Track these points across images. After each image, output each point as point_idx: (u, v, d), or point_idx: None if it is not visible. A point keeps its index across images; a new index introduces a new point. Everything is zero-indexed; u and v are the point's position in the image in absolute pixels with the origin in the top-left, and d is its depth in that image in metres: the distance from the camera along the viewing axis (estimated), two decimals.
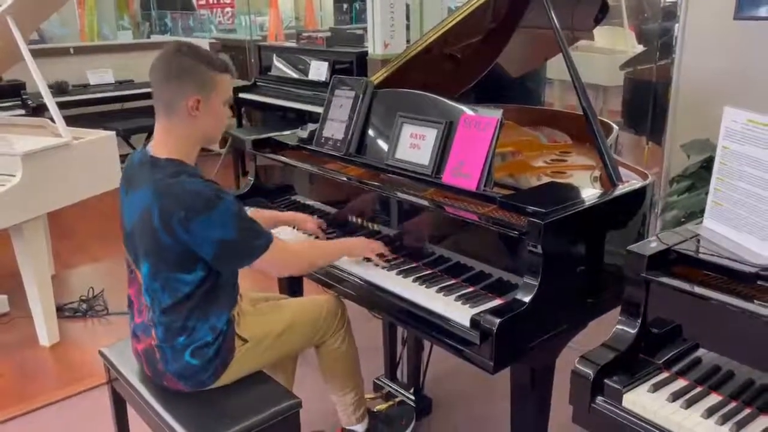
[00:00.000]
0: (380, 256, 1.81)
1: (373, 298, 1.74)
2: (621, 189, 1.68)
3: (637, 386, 1.24)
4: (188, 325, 1.64)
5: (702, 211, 1.73)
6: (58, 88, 5.00)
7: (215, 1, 8.48)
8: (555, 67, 4.10)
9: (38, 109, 4.50)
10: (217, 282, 1.65)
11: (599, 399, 1.27)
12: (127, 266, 1.76)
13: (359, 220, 1.98)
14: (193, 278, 1.60)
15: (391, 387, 2.45)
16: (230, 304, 1.72)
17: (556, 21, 1.85)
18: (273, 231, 1.97)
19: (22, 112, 4.56)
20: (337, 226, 2.05)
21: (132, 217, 1.64)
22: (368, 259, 1.82)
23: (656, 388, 1.23)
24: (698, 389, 1.23)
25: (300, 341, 1.90)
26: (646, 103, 3.31)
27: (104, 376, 1.97)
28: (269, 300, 1.99)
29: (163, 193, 1.54)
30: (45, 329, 2.93)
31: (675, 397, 1.20)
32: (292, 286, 2.47)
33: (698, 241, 1.35)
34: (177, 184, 1.54)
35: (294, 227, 2.09)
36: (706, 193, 1.42)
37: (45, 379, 2.73)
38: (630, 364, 1.28)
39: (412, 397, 2.38)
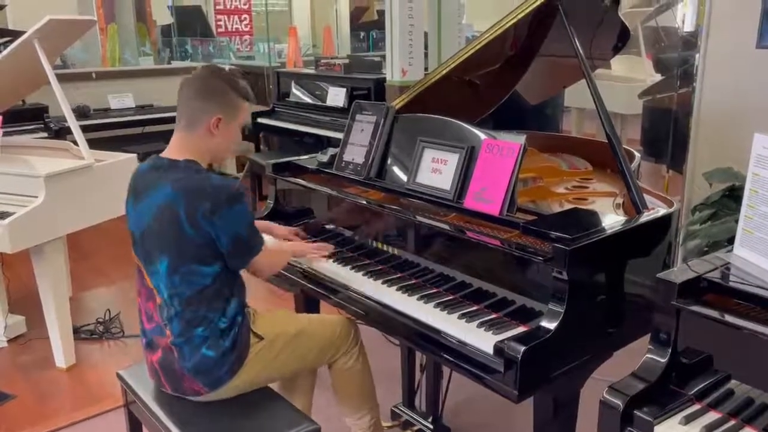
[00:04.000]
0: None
1: (394, 323, 1.72)
2: (647, 216, 1.66)
3: (668, 418, 1.21)
4: (207, 315, 1.69)
5: (727, 240, 1.70)
6: (79, 112, 5.06)
7: (234, 29, 8.63)
8: (573, 95, 4.12)
9: (60, 132, 4.56)
10: (227, 274, 1.72)
11: (629, 431, 1.23)
12: (137, 275, 1.79)
13: (380, 245, 1.97)
14: (211, 271, 1.68)
15: (409, 415, 2.42)
16: (241, 290, 1.79)
17: (579, 47, 1.86)
18: None
19: (45, 135, 4.61)
20: (355, 249, 2.04)
21: (144, 220, 1.70)
22: (387, 283, 1.80)
23: (688, 420, 1.20)
24: (732, 422, 1.19)
25: (313, 352, 1.90)
26: (667, 131, 3.30)
27: (120, 399, 1.97)
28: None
29: (188, 188, 1.63)
30: (62, 351, 2.93)
31: (708, 429, 1.17)
32: (308, 307, 2.45)
33: (729, 269, 1.33)
34: (203, 179, 1.66)
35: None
36: (736, 221, 1.40)
37: (61, 401, 2.72)
38: (660, 396, 1.25)
39: (431, 426, 2.34)
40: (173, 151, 1.73)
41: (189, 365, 1.69)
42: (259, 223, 2.11)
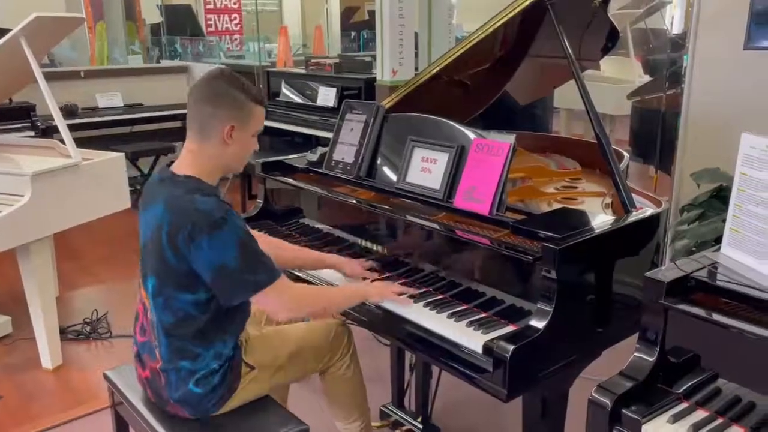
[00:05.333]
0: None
1: (383, 323, 1.71)
2: (635, 215, 1.67)
3: (656, 417, 1.21)
4: (192, 350, 1.62)
5: (714, 240, 1.70)
6: (67, 111, 5.02)
7: (224, 28, 8.60)
8: (562, 96, 4.14)
9: (47, 131, 4.53)
10: (221, 309, 1.61)
11: (617, 429, 1.23)
12: (140, 283, 1.75)
13: (369, 244, 1.96)
14: (195, 299, 1.58)
15: (398, 415, 2.41)
16: (237, 330, 1.70)
17: (569, 48, 1.86)
18: (321, 272, 1.93)
19: (32, 133, 4.58)
20: (344, 249, 2.03)
21: (146, 232, 1.64)
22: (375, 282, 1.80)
23: (676, 419, 1.20)
24: (719, 421, 1.19)
25: (306, 367, 1.87)
26: (655, 132, 3.32)
27: (107, 400, 1.95)
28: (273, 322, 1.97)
29: (173, 209, 1.54)
30: (48, 351, 2.90)
31: (696, 428, 1.17)
32: None
33: (716, 268, 1.33)
34: (189, 201, 1.54)
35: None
36: (723, 221, 1.41)
37: (47, 402, 2.70)
38: (648, 394, 1.25)
39: (420, 426, 2.34)
40: (180, 163, 1.63)
41: (175, 396, 1.64)
42: (330, 258, 1.92)
